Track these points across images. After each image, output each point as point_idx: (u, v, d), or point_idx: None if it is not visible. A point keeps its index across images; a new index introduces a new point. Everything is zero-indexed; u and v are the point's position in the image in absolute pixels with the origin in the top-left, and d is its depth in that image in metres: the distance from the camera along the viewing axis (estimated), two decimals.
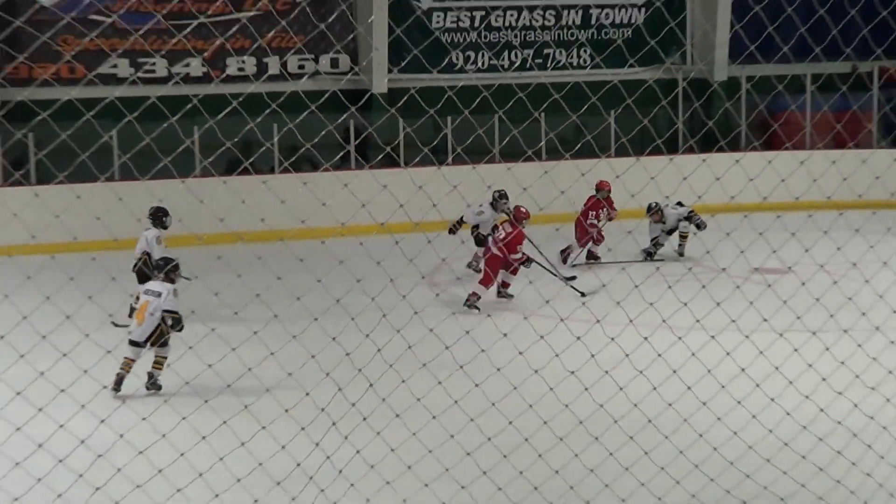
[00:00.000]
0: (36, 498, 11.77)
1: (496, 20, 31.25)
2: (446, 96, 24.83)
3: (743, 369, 13.64)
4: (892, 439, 13.33)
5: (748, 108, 31.87)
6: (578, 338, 13.92)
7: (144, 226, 21.25)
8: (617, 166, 22.20)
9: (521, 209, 24.02)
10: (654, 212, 25.72)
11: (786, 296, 15.80)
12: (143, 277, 20.85)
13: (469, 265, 25.84)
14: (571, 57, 32.25)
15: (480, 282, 23.57)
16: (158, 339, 16.79)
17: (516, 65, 31.77)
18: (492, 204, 25.07)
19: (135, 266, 21.38)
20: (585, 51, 32.04)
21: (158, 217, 21.33)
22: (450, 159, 28.47)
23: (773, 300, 15.70)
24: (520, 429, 13.54)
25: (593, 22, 32.27)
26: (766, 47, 27.20)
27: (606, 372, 13.43)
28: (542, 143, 28.27)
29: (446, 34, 31.12)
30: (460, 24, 31.14)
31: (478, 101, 22.72)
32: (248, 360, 13.89)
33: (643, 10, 32.22)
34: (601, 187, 26.12)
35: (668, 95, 30.11)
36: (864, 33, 26.31)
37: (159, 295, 16.73)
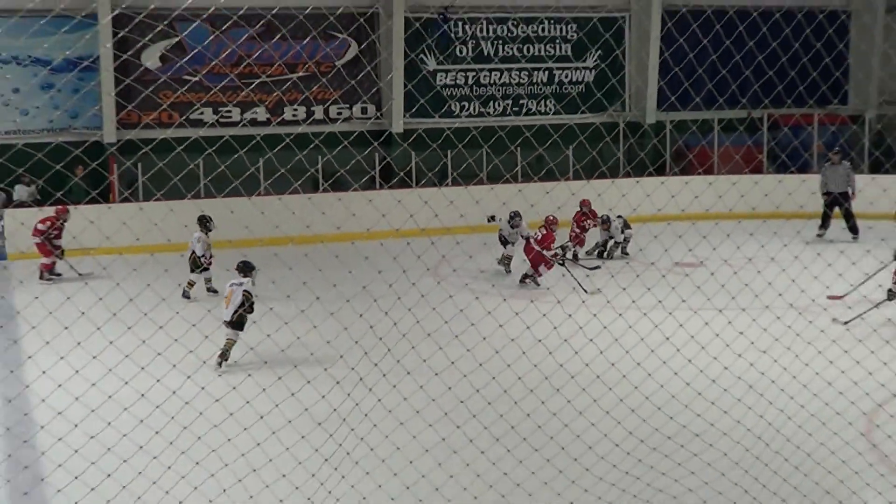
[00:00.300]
0: (140, 434, 11.47)
1: (483, 78, 30.96)
2: (445, 134, 25.32)
3: (667, 338, 13.48)
4: (777, 390, 12.91)
5: (671, 143, 31.50)
6: (544, 314, 13.78)
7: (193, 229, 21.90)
8: (573, 187, 22.79)
9: (551, 217, 23.59)
10: (604, 222, 25.38)
11: (699, 283, 15.84)
12: (192, 266, 21.09)
13: (499, 261, 24.79)
14: (539, 106, 31.75)
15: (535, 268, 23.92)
16: (238, 319, 16.88)
17: (498, 111, 31.25)
18: (509, 221, 24.15)
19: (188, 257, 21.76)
20: (550, 101, 31.69)
21: (202, 222, 21.11)
22: (449, 181, 28.17)
23: (690, 286, 15.75)
24: (500, 382, 13.30)
25: (556, 80, 31.87)
26: (684, 98, 26.01)
27: (566, 340, 13.18)
28: (517, 168, 27.83)
29: (446, 89, 30.85)
30: (457, 81, 30.85)
31: (469, 138, 22.26)
32: (297, 332, 13.93)
33: (592, 70, 31.79)
34: (583, 204, 25.85)
35: (611, 135, 30.66)
36: (755, 88, 26.01)
37: (241, 284, 16.93)
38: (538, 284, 23.60)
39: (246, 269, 17.88)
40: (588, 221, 26.15)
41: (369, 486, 11.77)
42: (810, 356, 14.09)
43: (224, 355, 17.28)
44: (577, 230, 26.02)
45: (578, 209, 26.03)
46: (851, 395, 13.29)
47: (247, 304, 17.31)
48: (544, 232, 23.58)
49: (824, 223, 28.33)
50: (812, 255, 18.22)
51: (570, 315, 14.32)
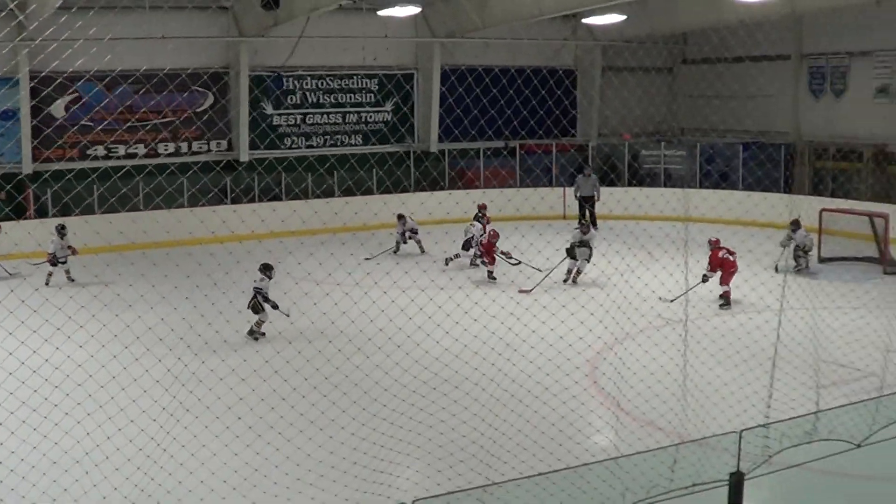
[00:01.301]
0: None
1: (310, 119, 35.47)
2: (286, 162, 28.66)
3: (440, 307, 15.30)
4: (528, 347, 15.08)
5: (451, 166, 35.88)
6: (374, 301, 16.50)
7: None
8: (384, 199, 27.37)
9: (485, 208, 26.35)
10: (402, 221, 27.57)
11: (468, 271, 18.70)
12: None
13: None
14: (351, 139, 36.38)
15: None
16: (252, 306, 18.53)
17: (321, 144, 35.68)
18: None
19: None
20: (359, 136, 36.29)
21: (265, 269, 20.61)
22: (283, 196, 31.58)
23: (461, 274, 18.43)
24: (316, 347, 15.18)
25: (364, 120, 36.56)
26: (461, 131, 31.19)
27: (363, 312, 15.26)
28: (342, 188, 31.81)
29: (283, 127, 35.01)
30: (289, 121, 35.20)
31: (304, 164, 27.26)
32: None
33: (391, 113, 36.50)
34: (481, 208, 28.18)
35: (407, 160, 35.25)
36: (514, 123, 31.81)
37: (255, 282, 18.62)
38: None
39: (263, 269, 18.94)
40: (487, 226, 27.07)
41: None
42: (547, 317, 15.79)
43: (251, 332, 18.56)
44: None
45: (478, 212, 27.85)
46: (577, 347, 15.21)
47: (258, 297, 18.53)
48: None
49: (581, 218, 31.21)
50: (559, 242, 21.21)
51: (366, 292, 16.73)
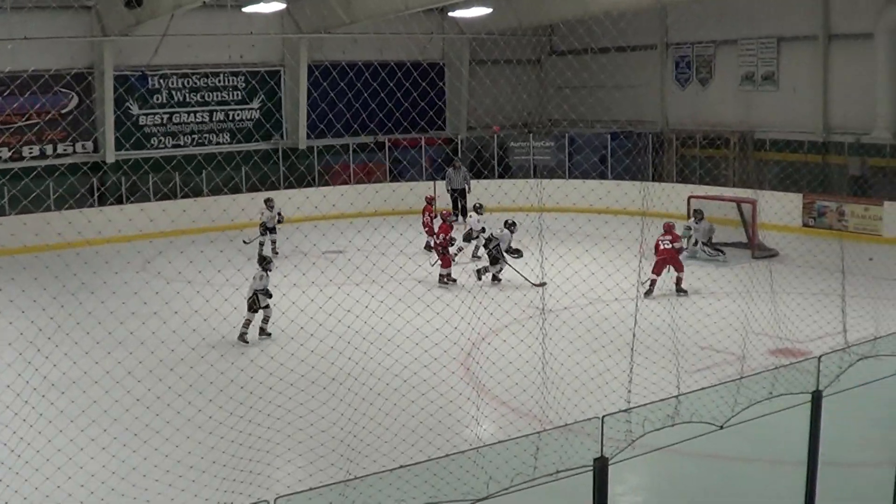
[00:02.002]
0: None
1: (176, 118, 35.07)
2: (152, 162, 28.96)
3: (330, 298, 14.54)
4: (403, 337, 14.84)
5: (319, 161, 35.80)
6: (247, 299, 16.14)
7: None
8: (252, 196, 27.86)
9: (445, 211, 25.48)
10: (269, 205, 27.25)
11: (341, 266, 18.44)
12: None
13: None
14: (220, 138, 36.12)
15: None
16: (250, 302, 18.15)
17: (189, 143, 35.31)
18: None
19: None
20: (227, 133, 36.07)
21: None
22: (151, 197, 31.15)
23: (334, 269, 18.25)
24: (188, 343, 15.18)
25: (231, 118, 36.34)
26: (329, 127, 31.17)
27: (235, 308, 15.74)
28: (211, 186, 31.22)
29: (148, 126, 34.59)
30: (157, 120, 34.76)
31: (172, 163, 27.88)
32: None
33: (259, 110, 36.30)
34: (429, 199, 28.35)
35: (276, 157, 35.60)
36: (382, 118, 32.28)
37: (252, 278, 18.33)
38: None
39: (260, 262, 18.95)
40: (429, 215, 27.43)
41: None
42: (421, 309, 15.58)
43: (241, 334, 18.07)
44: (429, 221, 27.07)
45: (427, 204, 27.99)
46: (453, 338, 15.19)
47: (258, 295, 18.25)
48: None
49: (454, 210, 33.40)
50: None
51: (237, 289, 16.43)
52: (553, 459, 6.32)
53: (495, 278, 23.89)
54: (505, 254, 23.68)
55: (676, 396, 6.90)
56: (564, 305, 19.07)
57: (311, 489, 5.99)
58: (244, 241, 25.77)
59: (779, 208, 27.88)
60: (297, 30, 35.98)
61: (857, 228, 29.59)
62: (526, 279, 22.51)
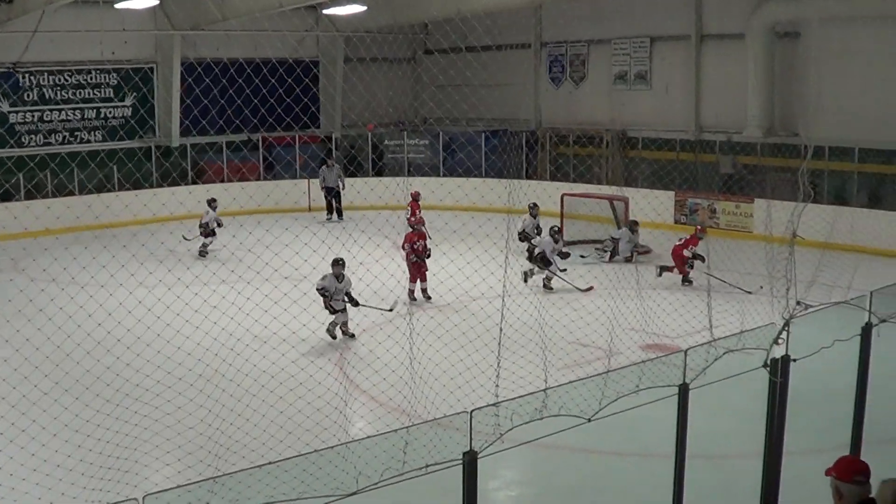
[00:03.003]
0: None
1: (47, 116, 34.55)
2: (20, 161, 28.00)
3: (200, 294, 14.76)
4: (279, 339, 15.35)
5: (192, 162, 35.74)
6: (121, 303, 15.55)
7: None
8: (123, 196, 27.24)
9: (411, 218, 23.75)
10: (213, 205, 27.37)
11: (215, 269, 18.75)
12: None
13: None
14: (91, 135, 35.60)
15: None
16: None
17: (60, 141, 34.70)
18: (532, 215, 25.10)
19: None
20: (100, 131, 35.56)
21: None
22: (21, 197, 30.68)
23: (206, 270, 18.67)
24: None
25: (102, 115, 35.74)
26: (204, 126, 30.26)
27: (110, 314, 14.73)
28: (83, 186, 30.80)
29: (19, 125, 33.95)
30: (27, 119, 34.14)
31: (42, 163, 27.87)
32: None
33: (131, 108, 35.83)
34: (415, 196, 28.51)
35: (149, 155, 34.95)
36: (257, 116, 31.96)
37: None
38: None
39: (334, 265, 18.79)
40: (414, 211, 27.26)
41: None
42: (298, 312, 15.69)
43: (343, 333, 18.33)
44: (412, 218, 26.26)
45: (412, 199, 28.21)
46: (328, 339, 15.73)
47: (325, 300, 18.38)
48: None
49: (329, 210, 33.93)
50: (307, 235, 22.92)
51: (111, 294, 16.30)
52: (422, 454, 6.39)
53: (546, 286, 23.19)
54: (554, 258, 23.17)
55: (544, 390, 7.00)
56: (440, 305, 19.71)
57: (179, 486, 5.97)
58: (185, 238, 26.17)
59: (652, 206, 28.61)
60: (170, 26, 35.61)
61: (729, 225, 30.32)
62: (573, 285, 22.66)
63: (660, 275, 23.29)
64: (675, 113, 34.11)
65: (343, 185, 33.89)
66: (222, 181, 34.67)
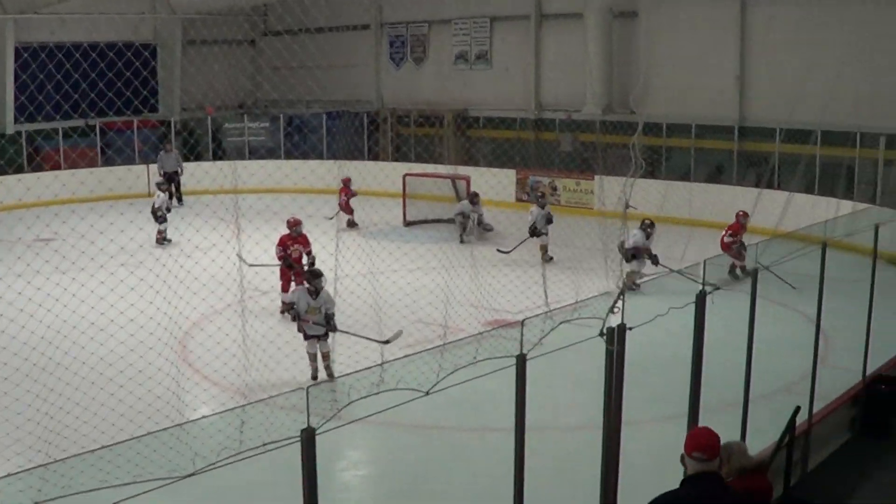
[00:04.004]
0: None
1: None
2: None
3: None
4: (117, 327, 14.71)
5: (29, 146, 34.53)
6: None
7: None
8: None
9: (290, 219, 19.77)
10: (163, 188, 27.12)
11: (48, 257, 17.39)
12: None
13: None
14: None
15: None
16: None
17: None
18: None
19: None
20: None
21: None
22: None
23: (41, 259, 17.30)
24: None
25: None
26: (37, 110, 30.41)
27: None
28: None
29: None
30: None
31: None
32: None
33: None
34: (346, 182, 28.38)
35: None
36: (94, 100, 31.27)
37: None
38: None
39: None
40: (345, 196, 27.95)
41: None
42: (136, 299, 15.55)
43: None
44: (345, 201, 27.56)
45: (343, 186, 28.14)
46: (166, 325, 14.48)
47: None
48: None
49: (168, 197, 30.60)
50: (143, 220, 21.37)
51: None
52: (259, 432, 6.32)
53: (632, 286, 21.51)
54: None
55: (381, 364, 7.02)
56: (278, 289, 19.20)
57: (9, 475, 5.84)
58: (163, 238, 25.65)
59: (493, 185, 28.93)
60: (3, 10, 34.45)
61: (570, 202, 30.70)
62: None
63: (739, 275, 19.71)
64: (516, 92, 34.50)
65: (182, 170, 33.55)
66: (58, 168, 34.13)
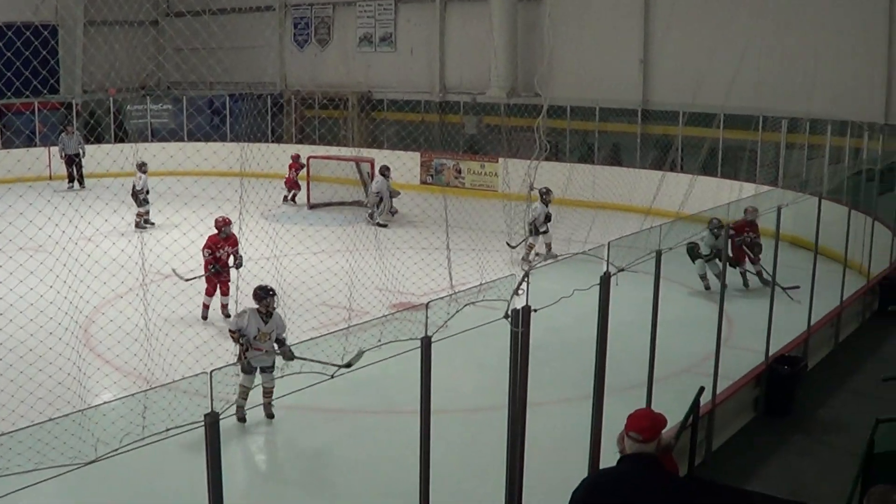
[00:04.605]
0: None
1: None
2: None
3: None
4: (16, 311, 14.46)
5: None
6: None
7: None
8: None
9: (219, 218, 18.50)
10: (143, 169, 26.70)
11: None
12: None
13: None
14: None
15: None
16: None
17: None
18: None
19: None
20: None
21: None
22: None
23: None
24: None
25: None
26: None
27: None
28: None
29: None
30: None
31: None
32: None
33: None
34: (294, 157, 29.29)
35: None
36: None
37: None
38: None
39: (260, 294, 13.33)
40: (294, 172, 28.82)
41: None
42: (35, 283, 14.54)
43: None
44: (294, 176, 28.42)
45: (291, 162, 28.95)
46: (67, 310, 13.43)
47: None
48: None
49: (70, 178, 33.17)
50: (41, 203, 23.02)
51: None
52: (162, 417, 6.26)
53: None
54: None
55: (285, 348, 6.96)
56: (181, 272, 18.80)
57: None
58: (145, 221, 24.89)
59: (398, 167, 28.96)
60: None
61: (474, 185, 30.85)
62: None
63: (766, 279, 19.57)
64: (420, 75, 34.62)
65: (84, 152, 33.18)
66: None
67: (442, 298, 8.25)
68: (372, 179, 27.17)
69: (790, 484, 11.19)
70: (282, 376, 6.78)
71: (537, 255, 22.50)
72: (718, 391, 12.20)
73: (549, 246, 23.00)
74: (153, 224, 25.77)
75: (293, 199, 29.65)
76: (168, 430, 6.25)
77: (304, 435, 13.12)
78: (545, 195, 22.99)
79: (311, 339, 7.32)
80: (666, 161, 28.32)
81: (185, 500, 10.46)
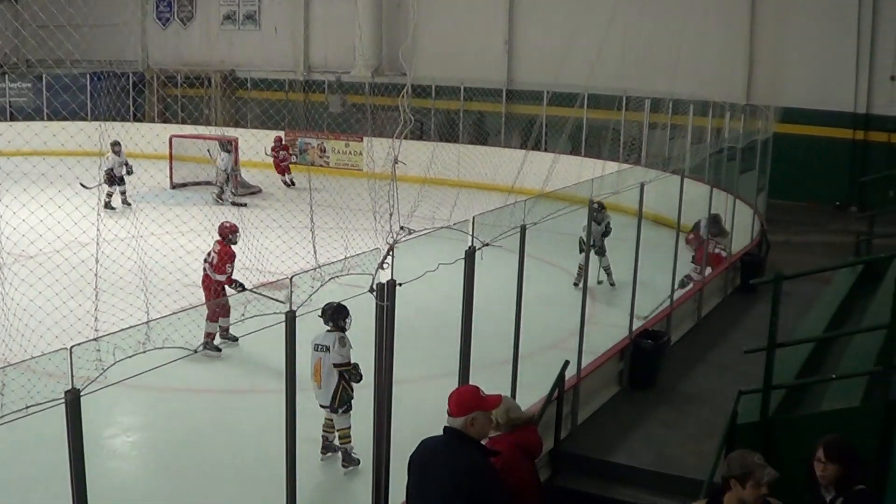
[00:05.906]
0: None
1: None
2: None
3: None
4: None
5: None
6: None
7: None
8: None
9: (226, 224, 16.61)
10: (116, 149, 26.27)
11: None
12: None
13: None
14: None
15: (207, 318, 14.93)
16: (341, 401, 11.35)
17: None
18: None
19: None
20: None
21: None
22: None
23: None
24: None
25: None
26: None
27: None
28: None
29: None
30: None
31: None
32: None
33: None
34: (277, 140, 28.90)
35: None
36: None
37: (328, 349, 11.30)
38: None
39: (336, 316, 11.51)
40: (282, 153, 28.98)
41: None
42: None
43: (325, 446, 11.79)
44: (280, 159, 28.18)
45: (274, 145, 28.75)
46: None
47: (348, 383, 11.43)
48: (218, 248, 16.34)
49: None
50: None
51: None
52: (21, 394, 6.15)
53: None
54: None
55: (147, 322, 6.88)
56: (32, 254, 18.33)
57: None
58: (82, 185, 23.43)
59: (261, 146, 28.60)
60: None
61: (339, 164, 30.83)
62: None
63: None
64: (285, 53, 34.44)
65: None
66: None
67: (306, 272, 8.18)
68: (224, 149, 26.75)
69: (655, 455, 11.41)
70: (144, 352, 6.63)
71: None
72: (583, 366, 12.20)
73: (608, 272, 19.87)
74: (129, 205, 25.68)
75: (291, 181, 29.50)
76: (28, 407, 6.19)
77: (177, 415, 13.06)
78: (599, 212, 18.57)
79: (174, 313, 7.18)
80: (530, 140, 28.50)
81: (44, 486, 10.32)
